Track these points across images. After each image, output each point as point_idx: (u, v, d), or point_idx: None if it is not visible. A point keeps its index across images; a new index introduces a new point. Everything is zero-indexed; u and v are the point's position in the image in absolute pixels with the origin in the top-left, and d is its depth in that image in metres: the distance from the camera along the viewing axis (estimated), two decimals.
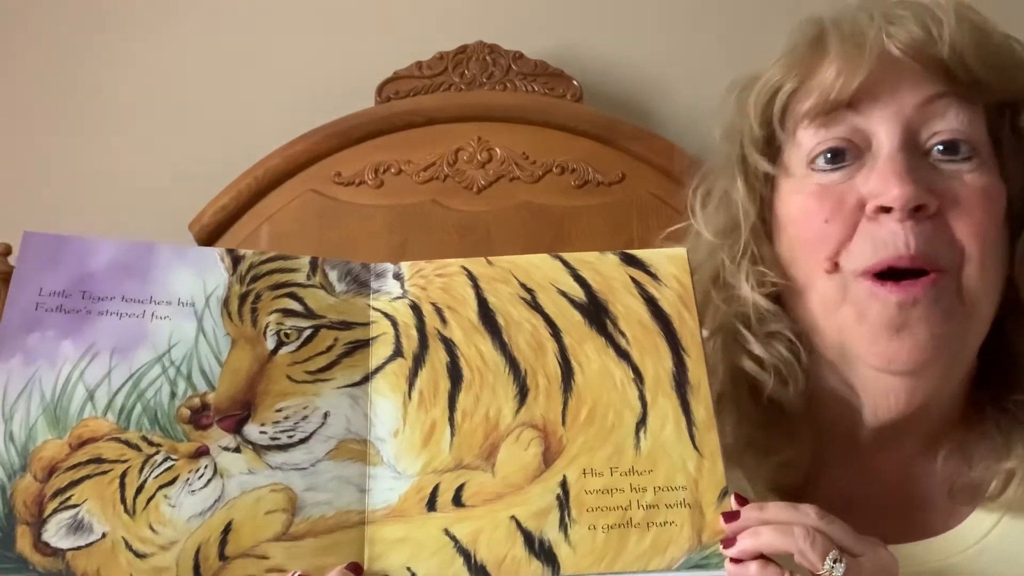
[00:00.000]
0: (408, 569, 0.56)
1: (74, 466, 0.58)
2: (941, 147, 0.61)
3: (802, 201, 0.65)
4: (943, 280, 0.61)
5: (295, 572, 0.55)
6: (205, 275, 0.63)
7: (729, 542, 0.57)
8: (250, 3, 1.71)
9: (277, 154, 1.53)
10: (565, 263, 0.66)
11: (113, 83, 1.68)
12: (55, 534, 0.56)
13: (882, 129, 0.61)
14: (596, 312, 0.64)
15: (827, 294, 0.64)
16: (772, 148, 0.68)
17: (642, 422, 0.61)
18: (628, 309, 0.64)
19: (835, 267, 0.63)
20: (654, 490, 0.58)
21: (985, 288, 0.62)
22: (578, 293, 0.65)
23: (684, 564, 0.57)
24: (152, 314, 0.61)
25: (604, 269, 0.65)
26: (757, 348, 0.67)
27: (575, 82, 1.57)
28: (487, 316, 0.64)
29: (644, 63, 1.66)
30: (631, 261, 0.65)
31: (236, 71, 1.67)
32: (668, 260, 0.65)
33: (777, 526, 0.56)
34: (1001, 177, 0.63)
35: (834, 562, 0.55)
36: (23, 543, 0.55)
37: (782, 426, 0.69)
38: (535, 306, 0.64)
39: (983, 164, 0.61)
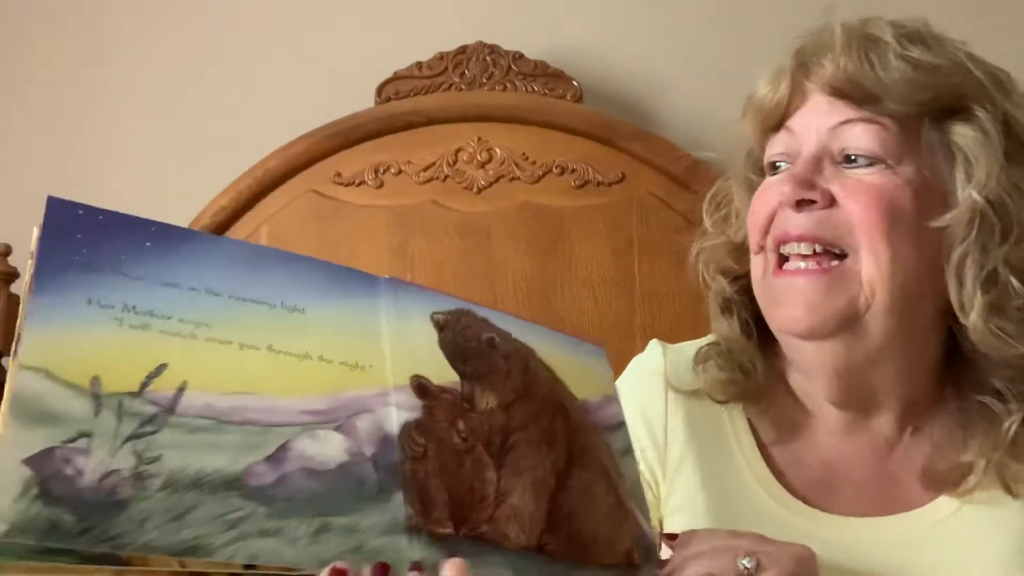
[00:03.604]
0: None
1: None
2: (850, 156, 0.72)
3: (755, 197, 0.78)
4: (832, 264, 0.71)
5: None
6: None
7: None
8: (250, 3, 1.71)
9: (277, 154, 1.53)
10: None
11: (113, 83, 1.68)
12: None
13: (804, 147, 0.74)
14: None
15: (756, 271, 0.77)
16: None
17: None
18: None
19: (760, 249, 0.76)
20: None
21: (883, 273, 0.71)
22: None
23: None
24: None
25: None
26: (722, 322, 0.81)
27: (575, 82, 1.57)
28: None
29: (644, 63, 1.66)
30: None
31: (236, 71, 1.67)
32: None
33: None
34: (925, 174, 0.72)
35: (748, 560, 0.59)
36: None
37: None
38: None
39: (886, 168, 0.72)
